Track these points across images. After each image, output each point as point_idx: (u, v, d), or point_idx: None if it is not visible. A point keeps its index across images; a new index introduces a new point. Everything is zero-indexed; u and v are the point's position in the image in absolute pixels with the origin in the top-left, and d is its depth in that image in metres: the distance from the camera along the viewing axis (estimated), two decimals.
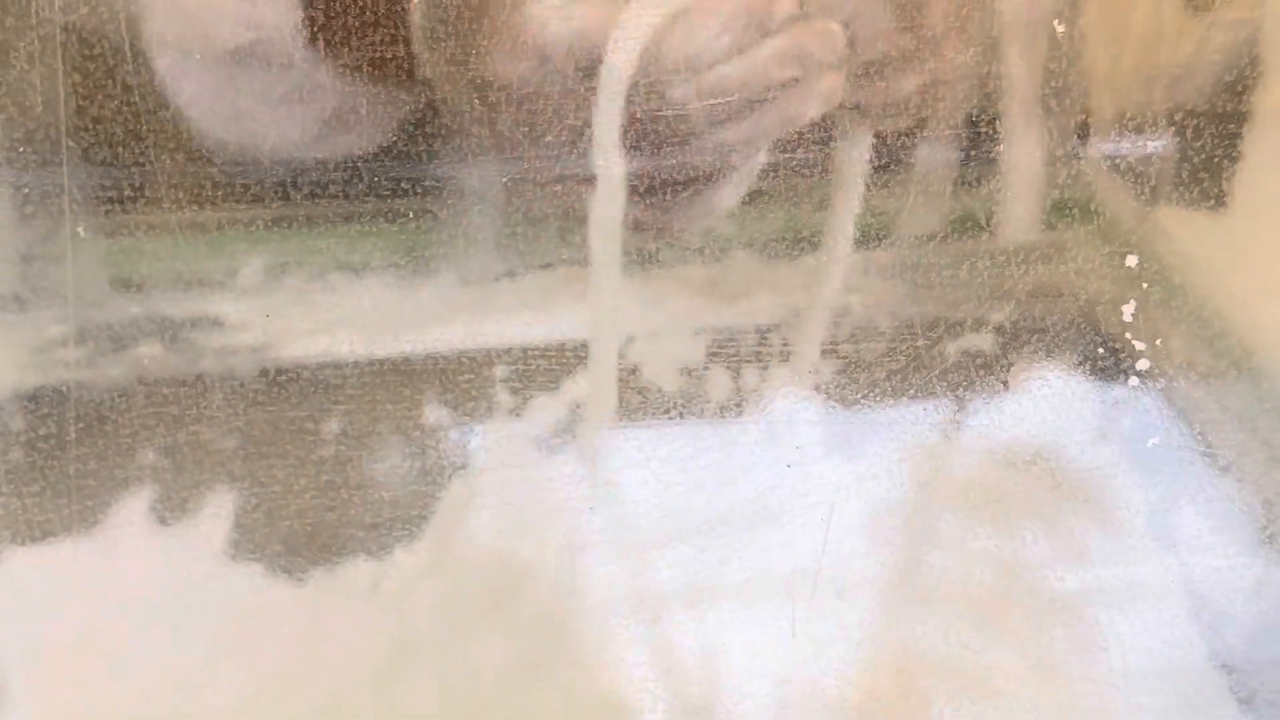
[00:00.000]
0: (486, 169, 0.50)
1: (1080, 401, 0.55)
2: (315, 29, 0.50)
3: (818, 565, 0.49)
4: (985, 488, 0.54)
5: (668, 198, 0.48)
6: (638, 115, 0.44)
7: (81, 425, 0.53)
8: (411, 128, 0.50)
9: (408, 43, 0.48)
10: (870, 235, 0.53)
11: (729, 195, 0.49)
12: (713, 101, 0.44)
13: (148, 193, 0.51)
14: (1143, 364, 0.49)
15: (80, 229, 0.47)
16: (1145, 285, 0.49)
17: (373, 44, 0.49)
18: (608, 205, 0.46)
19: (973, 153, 0.51)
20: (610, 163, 0.45)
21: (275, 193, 0.54)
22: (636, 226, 0.48)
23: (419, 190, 0.52)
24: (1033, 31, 0.48)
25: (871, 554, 0.51)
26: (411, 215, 0.55)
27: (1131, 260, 0.49)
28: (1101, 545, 0.53)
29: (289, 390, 0.57)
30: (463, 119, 0.49)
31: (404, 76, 0.50)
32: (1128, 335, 0.49)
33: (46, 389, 0.56)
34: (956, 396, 0.53)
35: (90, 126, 0.49)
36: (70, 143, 0.48)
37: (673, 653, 0.51)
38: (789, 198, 0.54)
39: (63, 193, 0.50)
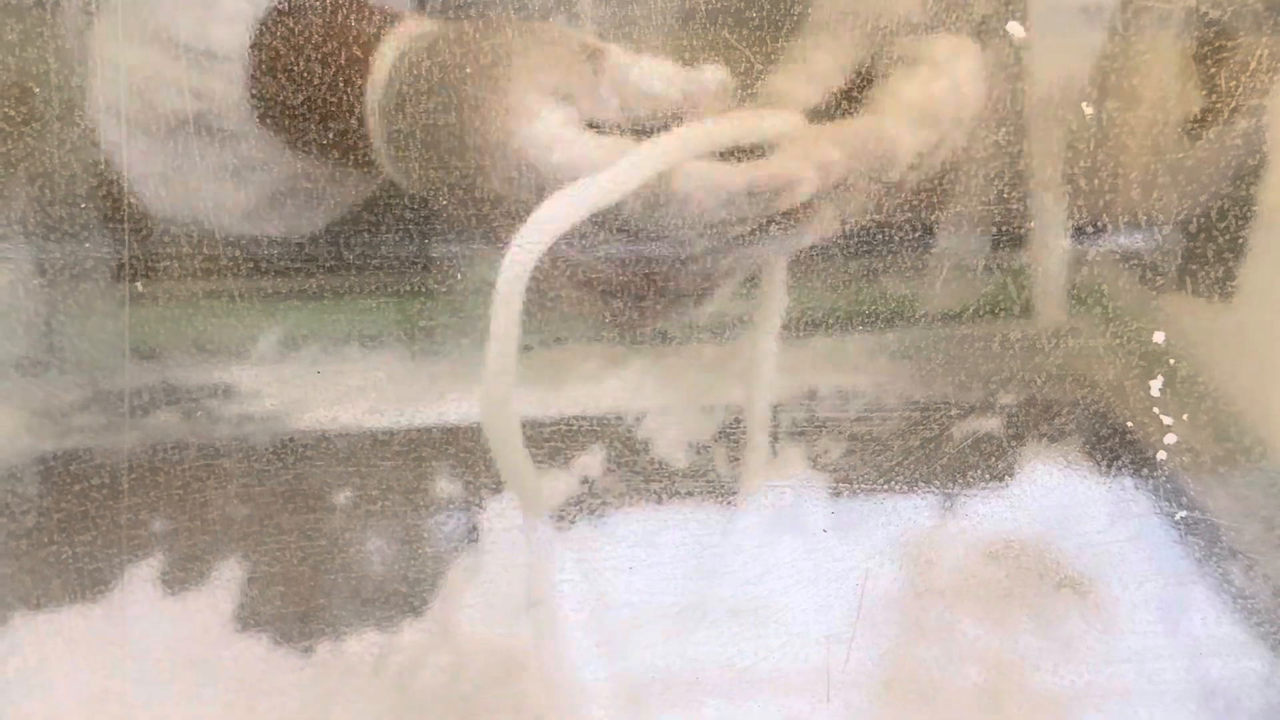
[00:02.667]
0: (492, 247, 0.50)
1: (1099, 481, 0.55)
2: (265, 103, 0.50)
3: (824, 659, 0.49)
4: (982, 579, 0.54)
5: (647, 303, 0.47)
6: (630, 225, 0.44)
7: (91, 493, 0.54)
8: (417, 204, 0.51)
9: (363, 125, 0.48)
10: (887, 317, 0.53)
11: (710, 306, 0.49)
12: (706, 233, 0.44)
13: (164, 263, 0.51)
14: (1170, 438, 0.49)
15: (139, 284, 0.48)
16: (1173, 361, 0.49)
17: (325, 124, 0.49)
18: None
19: (998, 236, 0.51)
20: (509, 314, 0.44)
21: (291, 266, 0.55)
22: (614, 323, 0.49)
23: (433, 265, 0.52)
24: (1061, 115, 0.49)
25: (867, 646, 0.51)
26: (425, 290, 0.55)
27: (1159, 336, 0.49)
28: (1112, 639, 0.53)
29: (300, 460, 0.57)
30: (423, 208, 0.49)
31: (358, 158, 0.49)
32: (1155, 410, 0.48)
33: (60, 454, 0.57)
34: (964, 481, 0.54)
35: (95, 206, 0.49)
36: (86, 213, 0.49)
37: None
38: (800, 280, 0.55)
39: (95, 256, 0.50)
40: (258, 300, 0.55)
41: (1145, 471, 0.52)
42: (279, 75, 0.48)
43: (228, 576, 0.56)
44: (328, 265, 0.54)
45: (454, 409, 0.59)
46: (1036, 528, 0.54)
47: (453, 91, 0.44)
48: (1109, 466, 0.54)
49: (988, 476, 0.54)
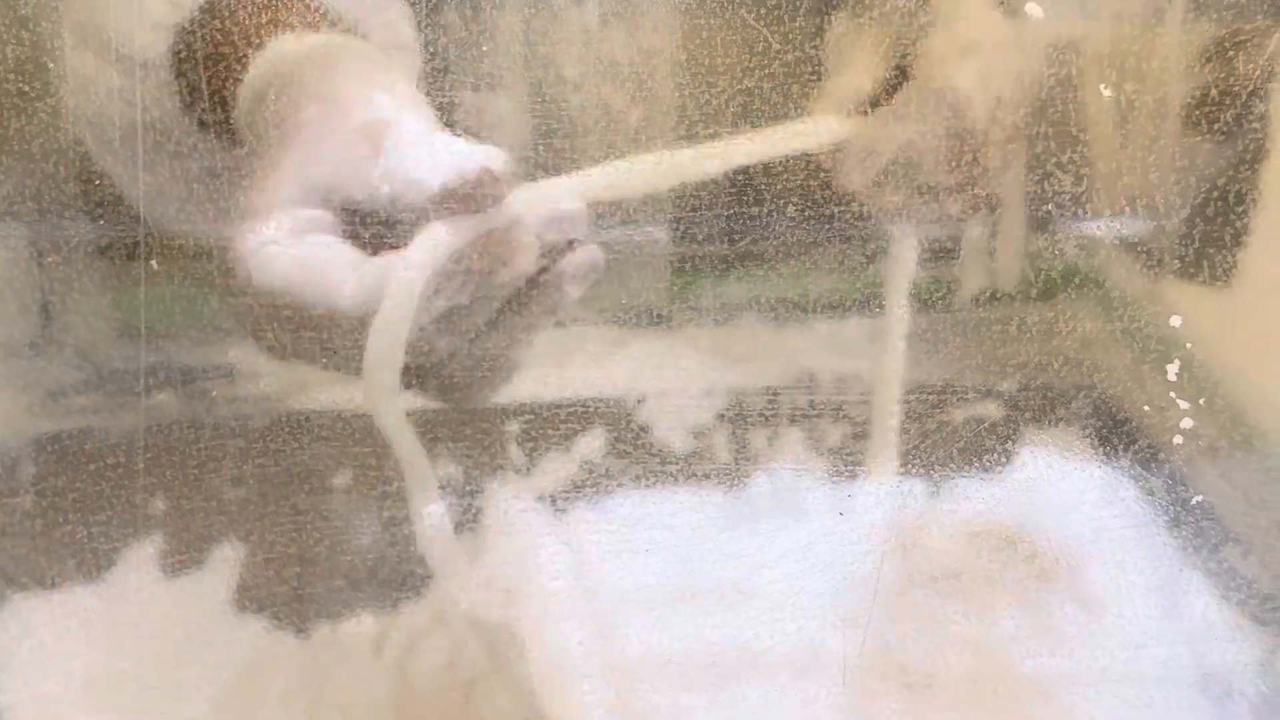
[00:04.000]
0: None
1: (1111, 466, 0.55)
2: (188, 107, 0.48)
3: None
4: (995, 563, 0.55)
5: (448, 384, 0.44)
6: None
7: (93, 474, 0.53)
8: None
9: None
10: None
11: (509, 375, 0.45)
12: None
13: (161, 243, 0.51)
14: (1186, 423, 0.49)
15: (154, 262, 0.47)
16: (1189, 345, 0.49)
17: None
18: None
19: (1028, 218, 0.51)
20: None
21: None
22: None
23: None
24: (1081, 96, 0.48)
25: (883, 631, 0.51)
26: None
27: (1175, 320, 0.50)
28: (1119, 624, 0.53)
29: (300, 441, 0.57)
30: None
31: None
32: (1172, 394, 0.48)
33: (58, 435, 0.56)
34: (977, 466, 0.54)
35: (109, 184, 0.49)
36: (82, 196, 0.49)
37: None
38: (800, 264, 0.55)
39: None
40: None
41: (1161, 456, 0.52)
42: (193, 82, 0.46)
43: (228, 557, 0.56)
44: None
45: None
46: (1045, 514, 0.54)
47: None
48: (1123, 452, 0.54)
49: (999, 462, 0.54)
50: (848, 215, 0.48)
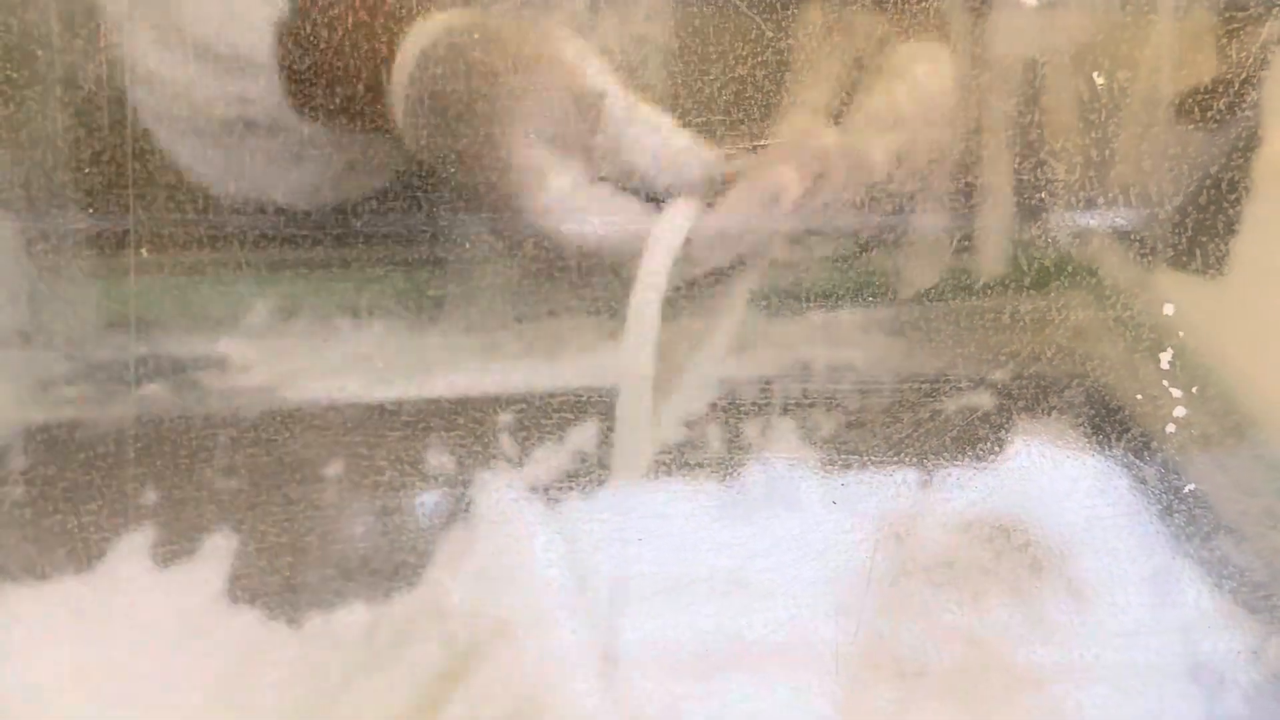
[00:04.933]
0: (493, 219, 0.50)
1: (1101, 456, 0.55)
2: (300, 101, 0.51)
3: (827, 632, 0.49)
4: (987, 554, 0.55)
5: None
6: None
7: (83, 464, 0.53)
8: (417, 177, 0.51)
9: (387, 118, 0.49)
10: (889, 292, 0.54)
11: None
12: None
13: (156, 234, 0.51)
14: (1179, 411, 0.49)
15: (144, 250, 0.48)
16: (1182, 334, 0.49)
17: (355, 113, 0.50)
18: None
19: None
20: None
21: (284, 237, 0.54)
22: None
23: (427, 236, 0.52)
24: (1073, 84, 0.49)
25: (875, 620, 0.51)
26: (419, 261, 0.55)
27: (1169, 309, 0.50)
28: (1111, 613, 0.53)
29: (292, 433, 0.57)
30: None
31: (386, 143, 0.51)
32: (1165, 383, 0.49)
33: (49, 426, 0.56)
34: (968, 456, 0.54)
35: (99, 173, 0.49)
36: (72, 185, 0.49)
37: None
38: (794, 253, 0.55)
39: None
40: (260, 270, 0.55)
41: (1153, 445, 0.52)
42: (310, 71, 0.50)
43: (220, 548, 0.55)
44: (334, 234, 0.54)
45: (451, 381, 0.59)
46: (1037, 504, 0.54)
47: (465, 101, 0.45)
48: (1116, 441, 0.54)
49: (991, 451, 0.54)
50: (841, 204, 0.48)
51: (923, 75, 0.48)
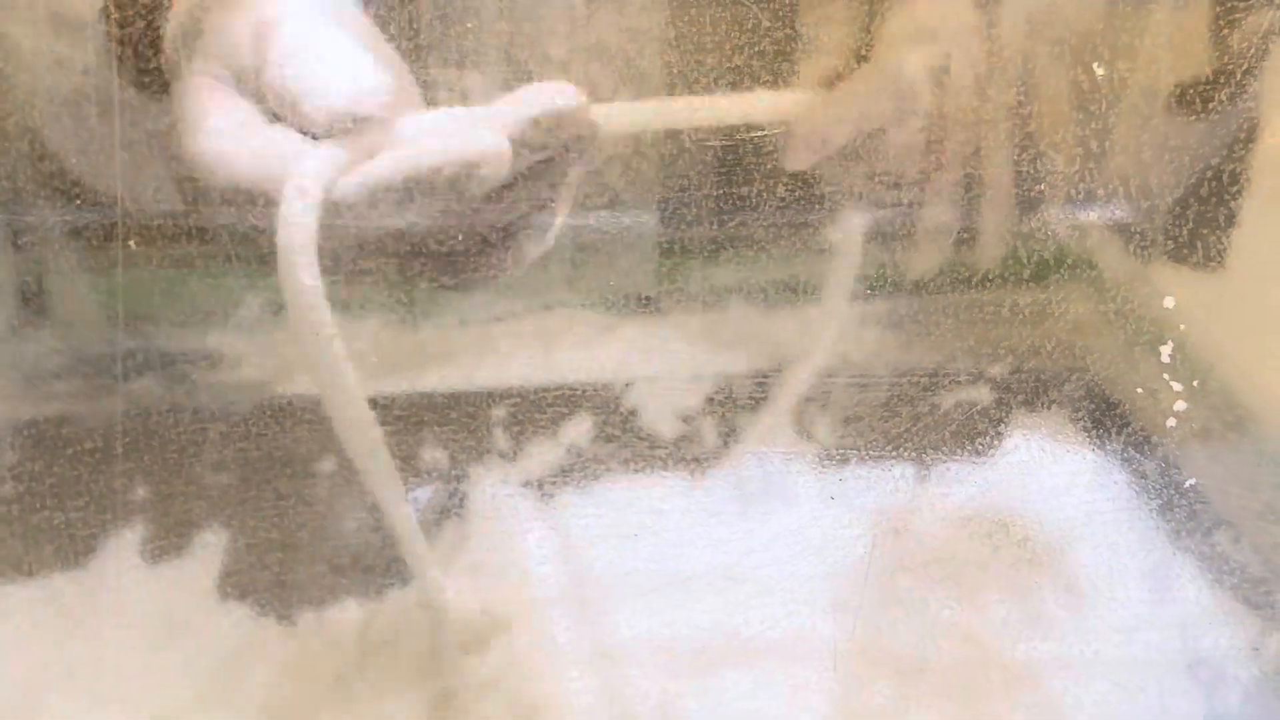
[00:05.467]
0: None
1: (1100, 450, 0.55)
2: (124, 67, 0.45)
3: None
4: (984, 549, 0.54)
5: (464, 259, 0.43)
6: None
7: (72, 460, 0.53)
8: None
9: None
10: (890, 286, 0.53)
11: (529, 251, 0.44)
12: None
13: (145, 227, 0.51)
14: (1180, 405, 0.49)
15: (131, 242, 0.46)
16: (1183, 327, 0.49)
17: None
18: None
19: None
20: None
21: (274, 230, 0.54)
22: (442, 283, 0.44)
23: (426, 233, 0.52)
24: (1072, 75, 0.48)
25: (874, 616, 0.51)
26: (416, 256, 0.54)
27: (1169, 301, 0.50)
28: (1110, 608, 0.53)
29: (284, 428, 0.56)
30: None
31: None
32: (1165, 376, 0.48)
33: (38, 421, 0.56)
34: (966, 451, 0.54)
35: (86, 163, 0.48)
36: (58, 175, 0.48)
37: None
38: (784, 248, 0.54)
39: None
40: (250, 264, 0.55)
41: (1153, 439, 0.52)
42: (125, 35, 0.44)
43: (211, 544, 0.55)
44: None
45: (442, 377, 0.59)
46: (1036, 499, 0.54)
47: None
48: (1116, 435, 0.54)
49: (990, 445, 0.54)
50: (839, 196, 0.47)
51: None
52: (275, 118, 0.39)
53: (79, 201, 0.47)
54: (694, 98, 0.44)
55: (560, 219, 0.43)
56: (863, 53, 0.46)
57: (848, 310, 0.53)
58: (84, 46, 0.45)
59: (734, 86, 0.45)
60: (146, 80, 0.44)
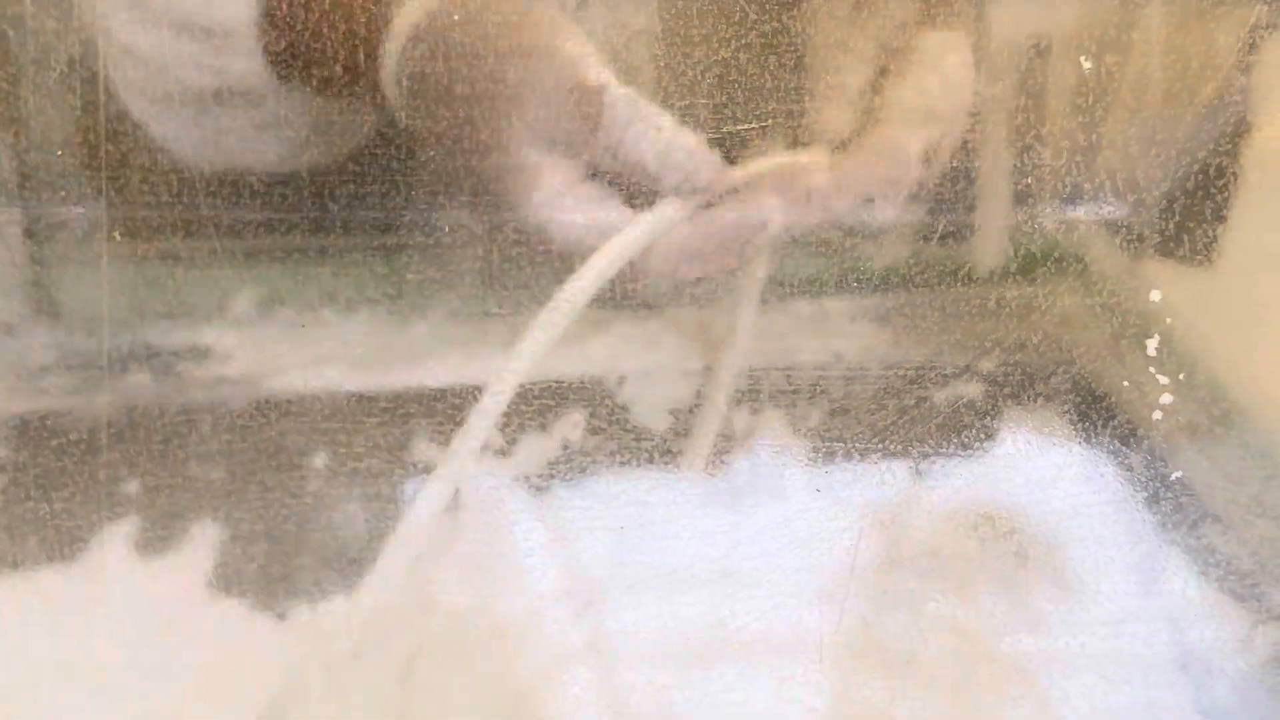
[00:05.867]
0: (476, 207, 0.50)
1: (1086, 444, 0.55)
2: (282, 71, 0.50)
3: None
4: (971, 543, 0.54)
5: None
6: None
7: (63, 454, 0.53)
8: (402, 164, 0.50)
9: (379, 89, 0.48)
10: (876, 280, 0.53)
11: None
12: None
13: (132, 220, 0.51)
14: (1166, 398, 0.49)
15: (116, 234, 0.47)
16: (1169, 320, 0.49)
17: (344, 82, 0.49)
18: None
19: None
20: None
21: (268, 225, 0.54)
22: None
23: (411, 225, 0.52)
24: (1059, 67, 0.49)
25: (860, 608, 0.51)
26: (404, 250, 0.55)
27: (1155, 295, 0.50)
28: (1098, 601, 0.53)
29: (276, 423, 0.56)
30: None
31: (373, 110, 0.50)
32: (1152, 369, 0.49)
33: (32, 416, 0.56)
34: (953, 445, 0.54)
35: (74, 157, 0.49)
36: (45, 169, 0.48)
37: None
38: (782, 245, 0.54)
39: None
40: (238, 258, 0.55)
41: (1140, 432, 0.52)
42: (296, 39, 0.49)
43: (203, 539, 0.55)
44: (310, 218, 0.54)
45: (434, 370, 0.59)
46: (1023, 492, 0.54)
47: (458, 83, 0.45)
48: (1102, 428, 0.54)
49: (977, 438, 0.54)
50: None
51: (952, 67, 0.48)
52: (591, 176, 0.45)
53: (64, 195, 0.48)
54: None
55: None
56: (866, 120, 0.47)
57: (758, 307, 0.54)
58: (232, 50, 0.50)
59: (721, 80, 0.46)
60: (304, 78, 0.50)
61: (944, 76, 0.48)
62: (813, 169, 0.47)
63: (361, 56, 0.47)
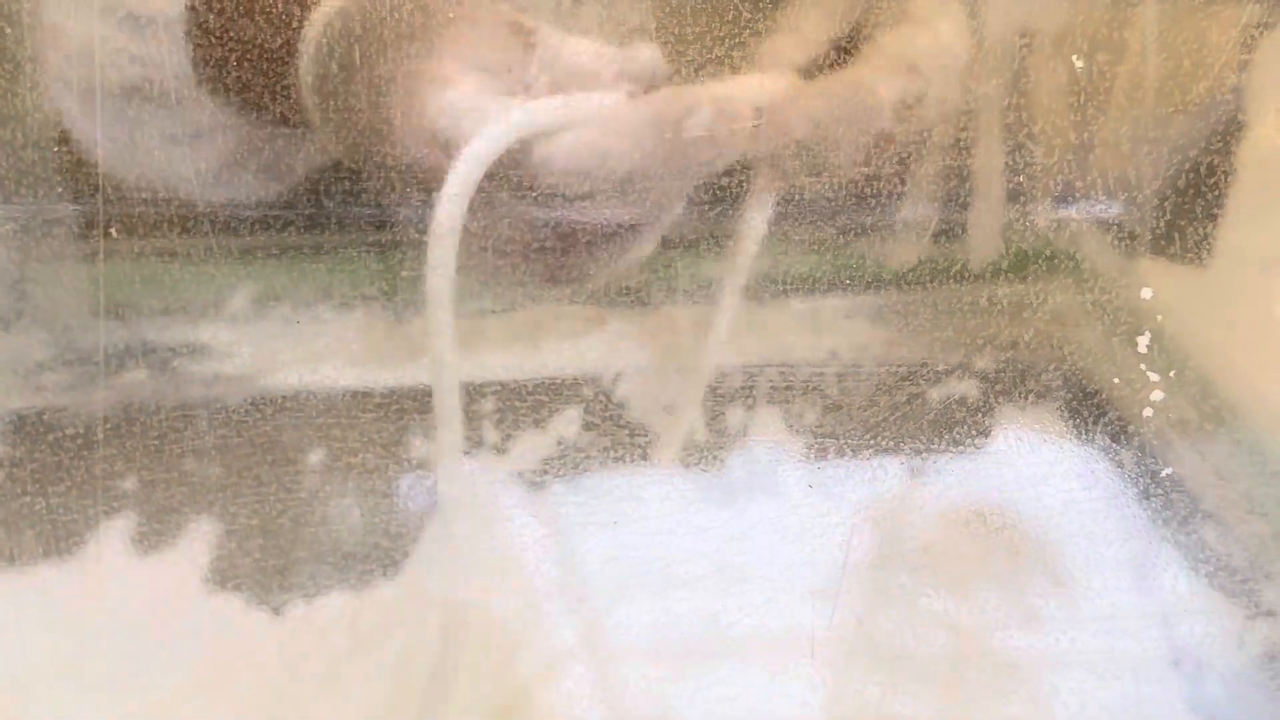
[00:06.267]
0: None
1: (1077, 441, 0.55)
2: (205, 69, 0.48)
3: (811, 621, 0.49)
4: (964, 540, 0.55)
5: (579, 253, 0.46)
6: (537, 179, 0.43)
7: (60, 451, 0.53)
8: (396, 159, 0.50)
9: (296, 93, 0.46)
10: (867, 278, 0.53)
11: (642, 248, 0.48)
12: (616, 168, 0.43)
13: (138, 209, 0.51)
14: (1157, 395, 0.49)
15: (113, 230, 0.47)
16: (1160, 318, 0.49)
17: (260, 90, 0.47)
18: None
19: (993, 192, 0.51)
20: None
21: (263, 223, 0.54)
22: (551, 280, 0.47)
23: (406, 222, 0.52)
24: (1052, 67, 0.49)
25: (852, 603, 0.51)
26: (399, 246, 0.55)
27: (1146, 293, 0.50)
28: (1090, 597, 0.53)
29: (273, 420, 0.56)
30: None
31: (297, 125, 0.48)
32: (1142, 367, 0.49)
33: (29, 412, 0.56)
34: (945, 442, 0.54)
35: (69, 153, 0.48)
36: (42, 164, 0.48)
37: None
38: (776, 242, 0.55)
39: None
40: (233, 255, 0.55)
41: (1131, 429, 0.52)
42: (214, 36, 0.47)
43: (199, 535, 0.55)
44: (306, 215, 0.54)
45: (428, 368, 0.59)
46: (1015, 488, 0.54)
47: (378, 58, 0.43)
48: (1094, 424, 0.54)
49: (969, 435, 0.54)
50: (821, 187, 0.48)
51: (946, 30, 0.47)
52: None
53: (62, 190, 0.47)
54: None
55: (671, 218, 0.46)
56: (843, 51, 0.46)
57: (741, 303, 0.53)
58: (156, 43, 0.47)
59: (715, 78, 0.45)
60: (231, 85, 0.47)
61: (936, 36, 0.47)
62: (776, 91, 0.45)
63: (277, 65, 0.46)
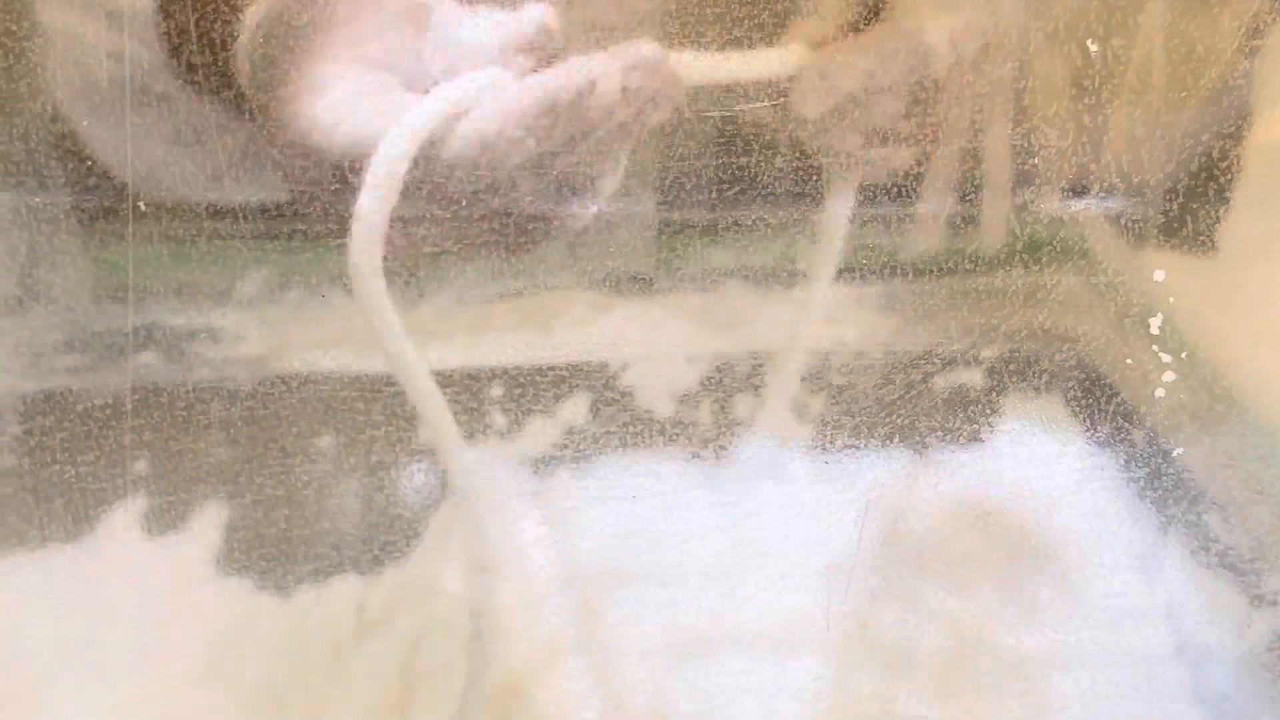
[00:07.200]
0: None
1: (1087, 427, 0.55)
2: (180, 64, 0.46)
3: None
4: (972, 531, 0.55)
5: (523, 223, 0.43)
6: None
7: (75, 433, 0.53)
8: None
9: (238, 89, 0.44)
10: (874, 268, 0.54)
11: (596, 197, 0.44)
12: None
13: (145, 203, 0.51)
14: (1169, 376, 0.49)
15: (141, 204, 0.46)
16: (1172, 300, 0.49)
17: (219, 85, 0.45)
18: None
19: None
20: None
21: (275, 206, 0.54)
22: (509, 250, 0.44)
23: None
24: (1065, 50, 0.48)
25: (866, 578, 0.51)
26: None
27: (1159, 275, 0.50)
28: (1096, 585, 0.53)
29: (284, 404, 0.56)
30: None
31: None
32: (1155, 348, 0.49)
33: (42, 395, 0.56)
34: (951, 430, 0.54)
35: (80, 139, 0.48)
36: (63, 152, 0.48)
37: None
38: (782, 229, 0.55)
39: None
40: (247, 240, 0.55)
41: (1142, 410, 0.52)
42: (180, 33, 0.45)
43: (209, 518, 0.55)
44: (314, 208, 0.54)
45: (442, 352, 0.59)
46: (1029, 467, 0.54)
47: (289, 58, 0.41)
48: (1105, 406, 0.55)
49: (981, 413, 0.54)
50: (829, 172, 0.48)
51: None
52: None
53: (88, 178, 0.47)
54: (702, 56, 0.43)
55: (617, 179, 0.43)
56: (874, 10, 0.46)
57: (830, 294, 0.53)
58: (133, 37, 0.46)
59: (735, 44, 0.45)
60: (198, 75, 0.45)
61: None
62: (803, 60, 0.45)
63: (225, 64, 0.44)
